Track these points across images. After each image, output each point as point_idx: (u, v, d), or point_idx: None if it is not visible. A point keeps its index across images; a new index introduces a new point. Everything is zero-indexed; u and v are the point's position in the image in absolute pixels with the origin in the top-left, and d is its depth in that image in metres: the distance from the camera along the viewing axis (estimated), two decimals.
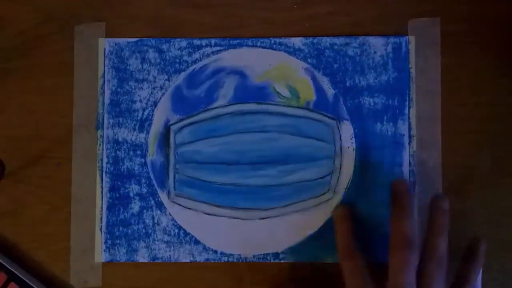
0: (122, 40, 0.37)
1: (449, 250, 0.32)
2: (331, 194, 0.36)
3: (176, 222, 0.36)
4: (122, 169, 0.36)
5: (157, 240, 0.36)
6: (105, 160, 0.36)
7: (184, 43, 0.37)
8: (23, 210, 0.37)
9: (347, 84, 0.36)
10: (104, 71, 0.37)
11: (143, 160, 0.36)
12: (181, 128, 0.36)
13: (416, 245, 0.31)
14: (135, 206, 0.36)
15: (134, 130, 0.37)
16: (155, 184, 0.36)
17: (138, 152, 0.36)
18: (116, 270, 0.36)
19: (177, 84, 0.37)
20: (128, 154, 0.36)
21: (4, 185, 0.37)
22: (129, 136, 0.36)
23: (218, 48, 0.37)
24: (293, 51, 0.36)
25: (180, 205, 0.36)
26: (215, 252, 0.36)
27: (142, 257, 0.36)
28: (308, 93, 0.36)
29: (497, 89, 0.36)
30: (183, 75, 0.37)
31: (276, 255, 0.36)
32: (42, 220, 0.37)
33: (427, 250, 0.32)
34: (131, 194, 0.36)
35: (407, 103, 0.36)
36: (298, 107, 0.36)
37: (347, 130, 0.36)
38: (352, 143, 0.36)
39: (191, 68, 0.37)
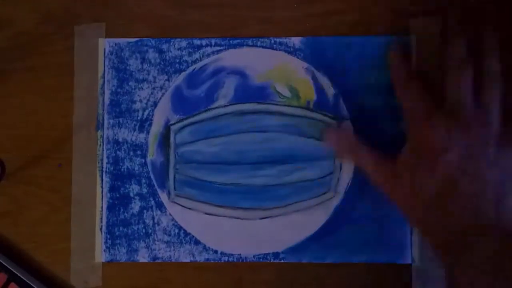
0: (122, 40, 0.37)
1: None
2: (332, 194, 0.36)
3: (176, 222, 0.36)
4: (122, 169, 0.36)
5: (157, 240, 0.36)
6: (105, 160, 0.36)
7: (184, 43, 0.37)
8: (23, 210, 0.37)
9: (348, 84, 0.36)
10: (104, 71, 0.37)
11: (143, 160, 0.36)
12: (181, 128, 0.36)
13: (469, 63, 0.31)
14: (135, 206, 0.36)
15: (134, 130, 0.37)
16: (155, 184, 0.36)
17: (138, 152, 0.36)
18: (116, 270, 0.36)
19: (177, 84, 0.37)
20: (128, 154, 0.36)
21: (4, 185, 0.37)
22: (129, 136, 0.36)
23: (218, 48, 0.37)
24: (293, 51, 0.36)
25: (180, 205, 0.36)
26: (215, 252, 0.36)
27: (142, 257, 0.36)
28: (309, 93, 0.36)
29: None
30: (183, 75, 0.37)
31: (276, 255, 0.36)
32: (42, 220, 0.37)
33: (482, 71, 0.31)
34: (131, 194, 0.36)
35: None
36: (298, 107, 0.36)
37: (347, 130, 0.36)
38: None
39: (191, 68, 0.37)
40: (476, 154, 0.30)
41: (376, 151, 0.33)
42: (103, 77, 0.37)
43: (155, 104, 0.37)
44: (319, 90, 0.36)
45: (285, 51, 0.36)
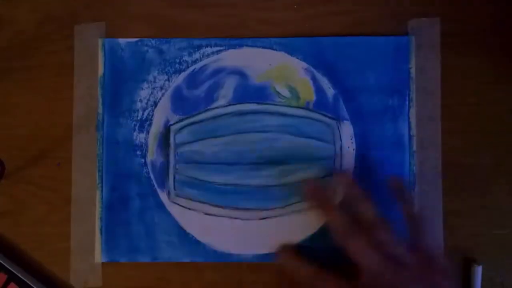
0: (122, 40, 0.37)
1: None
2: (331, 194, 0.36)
3: (176, 222, 0.36)
4: (122, 169, 0.36)
5: (157, 240, 0.36)
6: (105, 160, 0.36)
7: (184, 43, 0.37)
8: (23, 210, 0.37)
9: (347, 84, 0.36)
10: (104, 71, 0.37)
11: (143, 160, 0.36)
12: (181, 128, 0.36)
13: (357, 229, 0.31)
14: (135, 206, 0.36)
15: (134, 130, 0.37)
16: (155, 184, 0.36)
17: (138, 152, 0.36)
18: (116, 270, 0.36)
19: (177, 84, 0.37)
20: (128, 154, 0.36)
21: (4, 185, 0.37)
22: (129, 136, 0.36)
23: (218, 48, 0.37)
24: (293, 51, 0.36)
25: (180, 205, 0.36)
26: (215, 252, 0.36)
27: (142, 257, 0.36)
28: (308, 93, 0.36)
29: (497, 89, 0.36)
30: (183, 75, 0.37)
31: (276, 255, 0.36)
32: (42, 220, 0.37)
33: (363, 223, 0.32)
34: (131, 194, 0.36)
35: (407, 103, 0.36)
36: (298, 107, 0.36)
37: (347, 130, 0.36)
38: (352, 143, 0.36)
39: (191, 68, 0.37)
40: None
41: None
42: (103, 77, 0.37)
43: (155, 104, 0.37)
44: (319, 90, 0.36)
45: (285, 51, 0.36)
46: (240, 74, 0.36)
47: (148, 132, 0.36)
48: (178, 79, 0.37)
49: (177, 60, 0.37)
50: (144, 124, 0.37)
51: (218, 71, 0.36)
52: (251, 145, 0.36)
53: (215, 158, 0.36)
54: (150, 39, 0.37)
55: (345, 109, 0.36)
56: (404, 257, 0.31)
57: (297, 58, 0.36)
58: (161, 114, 0.36)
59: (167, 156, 0.36)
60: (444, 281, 0.30)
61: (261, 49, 0.36)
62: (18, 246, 0.37)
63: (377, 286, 0.30)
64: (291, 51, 0.36)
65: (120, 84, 0.37)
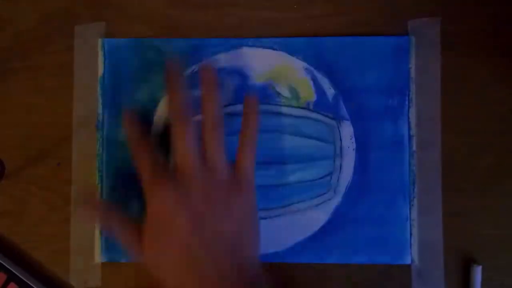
0: (122, 40, 0.37)
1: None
2: (331, 194, 0.36)
3: None
4: (122, 169, 0.36)
5: None
6: (105, 160, 0.36)
7: (184, 43, 0.37)
8: (23, 210, 0.37)
9: (347, 84, 0.36)
10: (104, 71, 0.37)
11: None
12: None
13: (189, 116, 0.31)
14: (135, 206, 0.36)
15: None
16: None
17: None
18: (115, 270, 0.36)
19: None
20: (128, 154, 0.36)
21: (4, 185, 0.37)
22: None
23: (218, 48, 0.37)
24: (293, 51, 0.36)
25: None
26: None
27: None
28: (308, 93, 0.36)
29: (497, 89, 0.36)
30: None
31: (276, 255, 0.36)
32: (42, 220, 0.37)
33: (203, 118, 0.32)
34: (131, 194, 0.36)
35: (407, 103, 0.36)
36: (298, 107, 0.36)
37: (347, 130, 0.36)
38: (352, 143, 0.36)
39: (191, 69, 0.37)
40: (207, 213, 0.30)
41: (125, 216, 0.32)
42: (103, 77, 0.37)
43: (155, 104, 0.36)
44: (319, 90, 0.36)
45: (285, 51, 0.36)
46: (240, 74, 0.36)
47: (148, 132, 0.36)
48: None
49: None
50: (144, 124, 0.36)
51: (218, 71, 0.36)
52: None
53: None
54: (150, 39, 0.37)
55: (345, 109, 0.36)
56: (219, 169, 0.31)
57: (297, 58, 0.36)
58: (161, 114, 0.36)
59: (167, 156, 0.36)
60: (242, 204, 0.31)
61: (261, 49, 0.36)
62: (18, 246, 0.37)
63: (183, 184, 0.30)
64: (291, 51, 0.36)
65: (120, 84, 0.37)
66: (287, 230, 0.36)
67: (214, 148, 0.31)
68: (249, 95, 0.34)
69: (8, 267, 0.35)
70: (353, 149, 0.36)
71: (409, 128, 0.36)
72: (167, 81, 0.33)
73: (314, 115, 0.36)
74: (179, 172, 0.31)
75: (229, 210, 0.31)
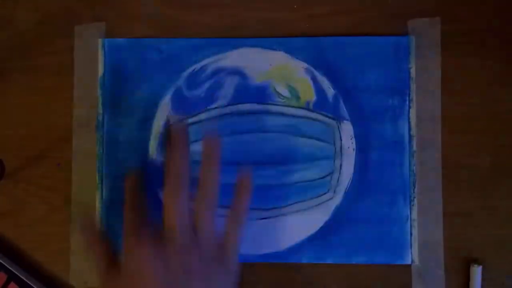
0: (122, 40, 0.37)
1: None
2: (331, 194, 0.36)
3: None
4: (122, 169, 0.36)
5: None
6: (105, 160, 0.36)
7: (184, 43, 0.37)
8: (23, 210, 0.37)
9: (347, 84, 0.36)
10: (104, 71, 0.37)
11: (143, 160, 0.36)
12: None
13: (185, 183, 0.31)
14: None
15: (134, 130, 0.36)
16: (155, 184, 0.36)
17: (138, 152, 0.36)
18: None
19: (177, 85, 0.37)
20: (128, 154, 0.36)
21: (4, 185, 0.37)
22: (129, 136, 0.36)
23: (218, 48, 0.37)
24: (293, 51, 0.36)
25: None
26: None
27: None
28: (308, 93, 0.36)
29: (497, 89, 0.36)
30: (183, 75, 0.37)
31: (276, 255, 0.36)
32: (42, 220, 0.37)
33: (198, 188, 0.32)
34: None
35: (407, 103, 0.36)
36: (298, 107, 0.36)
37: (347, 130, 0.36)
38: (352, 143, 0.36)
39: (191, 69, 0.37)
40: (182, 280, 0.29)
41: (109, 252, 0.32)
42: (103, 77, 0.37)
43: (155, 104, 0.37)
44: (319, 90, 0.36)
45: (285, 51, 0.36)
46: (240, 74, 0.36)
47: (148, 132, 0.36)
48: (178, 79, 0.37)
49: (177, 60, 0.37)
50: (144, 124, 0.36)
51: (218, 71, 0.36)
52: (251, 145, 0.36)
53: None
54: (150, 39, 0.37)
55: (345, 109, 0.36)
56: (205, 241, 0.31)
57: (297, 58, 0.36)
58: (161, 114, 0.36)
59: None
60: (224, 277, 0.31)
61: (261, 49, 0.36)
62: (18, 246, 0.37)
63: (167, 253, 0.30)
64: (291, 51, 0.36)
65: (120, 84, 0.37)
66: (287, 230, 0.36)
67: (204, 221, 0.31)
68: (242, 171, 0.34)
69: (8, 267, 0.35)
70: (353, 149, 0.36)
71: (409, 128, 0.36)
72: (170, 143, 0.33)
73: (314, 115, 0.36)
74: (166, 231, 0.31)
75: (207, 283, 0.30)
